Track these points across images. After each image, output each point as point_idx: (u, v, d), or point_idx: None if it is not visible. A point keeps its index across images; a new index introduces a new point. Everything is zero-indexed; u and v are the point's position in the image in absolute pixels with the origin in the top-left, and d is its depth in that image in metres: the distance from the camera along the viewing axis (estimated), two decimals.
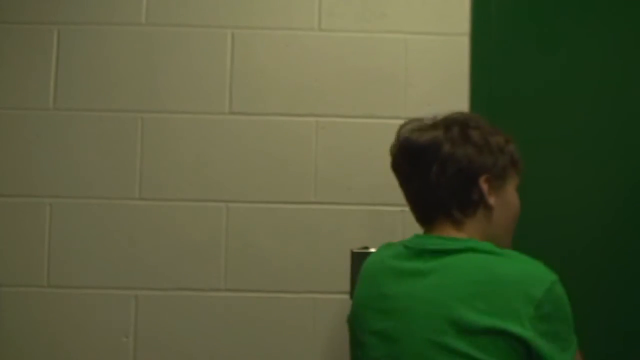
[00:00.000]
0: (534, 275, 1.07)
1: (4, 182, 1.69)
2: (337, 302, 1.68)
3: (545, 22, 1.76)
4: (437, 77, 1.73)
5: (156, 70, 1.72)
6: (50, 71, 1.72)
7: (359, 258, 1.69)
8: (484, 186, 1.17)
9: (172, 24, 1.74)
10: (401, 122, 1.71)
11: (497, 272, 1.08)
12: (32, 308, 1.67)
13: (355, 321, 1.24)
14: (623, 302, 1.70)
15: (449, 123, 1.21)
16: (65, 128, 1.71)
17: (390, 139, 1.71)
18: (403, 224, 1.70)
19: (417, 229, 1.68)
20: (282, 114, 1.72)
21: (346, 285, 1.68)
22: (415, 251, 1.19)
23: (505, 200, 1.22)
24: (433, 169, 1.17)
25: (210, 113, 1.72)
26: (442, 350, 1.06)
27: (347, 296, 1.68)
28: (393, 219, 1.69)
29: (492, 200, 1.18)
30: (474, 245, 1.14)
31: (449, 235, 1.18)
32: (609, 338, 1.69)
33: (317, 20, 1.74)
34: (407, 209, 1.68)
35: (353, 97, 1.73)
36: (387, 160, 1.70)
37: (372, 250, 1.68)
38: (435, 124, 1.22)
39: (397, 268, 1.19)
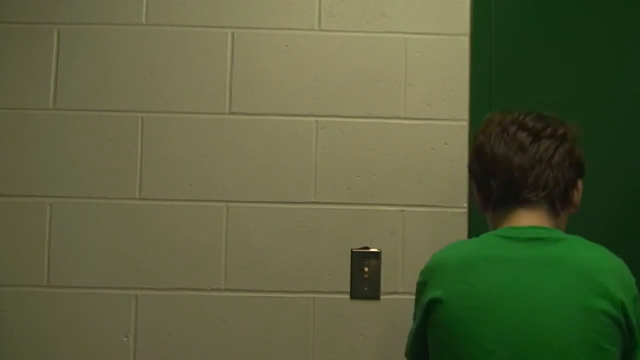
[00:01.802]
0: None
1: (4, 182, 1.69)
2: (337, 302, 1.68)
3: (545, 22, 1.76)
4: (437, 77, 1.73)
5: (156, 70, 1.72)
6: (50, 71, 1.72)
7: (359, 258, 1.69)
8: (580, 189, 1.28)
9: (172, 24, 1.74)
10: (401, 122, 1.74)
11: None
12: (32, 308, 1.67)
13: (468, 316, 1.14)
14: None
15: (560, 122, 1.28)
16: (65, 128, 1.71)
17: (390, 138, 1.72)
18: (403, 224, 1.70)
19: (417, 229, 1.69)
20: (282, 114, 1.72)
21: (346, 285, 1.68)
22: (520, 240, 1.18)
23: (576, 203, 1.30)
24: (555, 154, 1.21)
25: (210, 113, 1.72)
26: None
27: (347, 296, 1.68)
28: (393, 219, 1.69)
29: (578, 203, 1.28)
30: (569, 237, 1.20)
31: (544, 224, 1.21)
32: None
33: (317, 20, 1.74)
34: (406, 209, 1.70)
35: (353, 97, 1.73)
36: (387, 160, 1.71)
37: (373, 250, 1.69)
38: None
39: (508, 257, 1.17)
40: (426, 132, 1.72)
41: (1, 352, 1.65)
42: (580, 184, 1.28)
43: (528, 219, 1.22)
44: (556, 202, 1.22)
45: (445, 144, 1.71)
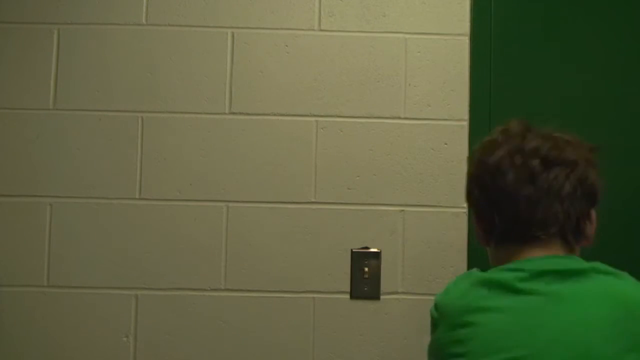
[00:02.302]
0: None
1: (4, 182, 1.69)
2: (337, 302, 1.68)
3: (545, 22, 1.76)
4: (437, 77, 1.73)
5: (156, 70, 1.72)
6: (50, 71, 1.72)
7: (359, 258, 1.69)
8: (593, 219, 1.10)
9: (172, 24, 1.74)
10: (401, 122, 1.73)
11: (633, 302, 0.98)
12: (32, 308, 1.67)
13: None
14: None
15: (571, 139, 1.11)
16: (65, 128, 1.71)
17: (390, 138, 1.72)
18: (403, 224, 1.70)
19: (418, 229, 1.69)
20: (282, 114, 1.72)
21: (346, 285, 1.68)
22: (533, 273, 1.01)
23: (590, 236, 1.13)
24: (565, 184, 1.04)
25: (210, 113, 1.72)
26: None
27: (347, 296, 1.68)
28: (393, 219, 1.69)
29: (591, 235, 1.11)
30: (596, 266, 1.02)
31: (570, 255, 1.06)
32: None
33: (317, 20, 1.74)
34: (406, 209, 1.70)
35: (353, 97, 1.73)
36: (387, 160, 1.71)
37: (373, 250, 1.69)
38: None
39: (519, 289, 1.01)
40: (426, 132, 1.72)
41: (1, 352, 1.65)
42: (593, 214, 1.10)
43: (543, 249, 1.06)
44: (569, 236, 1.06)
45: (445, 144, 1.71)
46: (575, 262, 1.05)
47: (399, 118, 1.72)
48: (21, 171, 1.70)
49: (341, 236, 1.69)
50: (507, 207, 1.06)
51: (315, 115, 1.72)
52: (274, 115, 1.72)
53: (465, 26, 1.75)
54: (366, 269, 1.68)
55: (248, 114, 1.72)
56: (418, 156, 1.71)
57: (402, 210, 1.70)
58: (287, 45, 1.74)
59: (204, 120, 1.72)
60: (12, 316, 1.66)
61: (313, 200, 1.70)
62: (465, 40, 1.74)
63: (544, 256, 1.04)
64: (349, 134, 1.72)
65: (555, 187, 1.04)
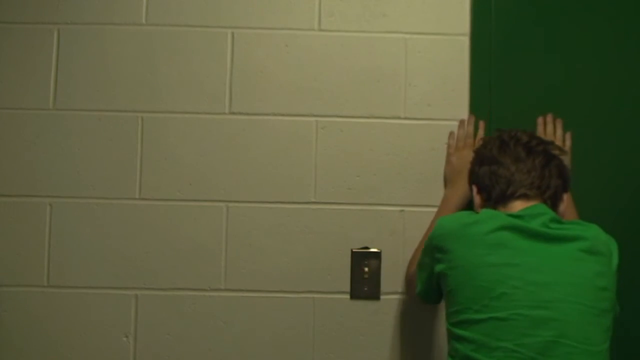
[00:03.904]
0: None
1: (4, 182, 1.69)
2: (337, 302, 1.68)
3: (545, 22, 1.76)
4: (437, 77, 1.73)
5: (156, 70, 1.72)
6: (50, 71, 1.72)
7: (359, 258, 1.69)
8: (565, 202, 1.44)
9: (172, 24, 1.74)
10: (401, 122, 1.74)
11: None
12: (32, 308, 1.67)
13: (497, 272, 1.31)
14: (623, 301, 1.69)
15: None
16: (65, 128, 1.71)
17: (390, 138, 1.72)
18: (403, 224, 1.69)
19: (417, 229, 1.69)
20: (282, 114, 1.72)
21: (346, 285, 1.68)
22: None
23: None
24: (547, 166, 1.41)
25: (210, 113, 1.72)
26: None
27: (347, 296, 1.68)
28: (393, 219, 1.69)
29: (563, 214, 1.43)
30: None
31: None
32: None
33: (317, 20, 1.74)
34: (407, 208, 1.70)
35: (353, 97, 1.72)
36: (387, 160, 1.71)
37: (373, 250, 1.69)
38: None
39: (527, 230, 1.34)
40: (426, 132, 1.72)
41: (1, 352, 1.65)
42: (565, 197, 1.44)
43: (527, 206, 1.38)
44: (547, 202, 1.39)
45: (445, 144, 1.72)
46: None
47: (399, 118, 1.72)
48: (21, 171, 1.70)
49: (341, 236, 1.69)
50: (504, 176, 1.41)
51: (315, 115, 1.72)
52: (274, 115, 1.72)
53: (465, 26, 1.75)
54: (366, 269, 1.68)
55: (248, 114, 1.72)
56: (418, 156, 1.71)
57: (402, 210, 1.70)
58: (287, 45, 1.74)
59: (204, 120, 1.72)
60: (12, 316, 1.67)
61: (313, 200, 1.70)
62: (465, 40, 1.74)
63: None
64: (349, 134, 1.72)
65: (539, 166, 1.40)
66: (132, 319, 1.67)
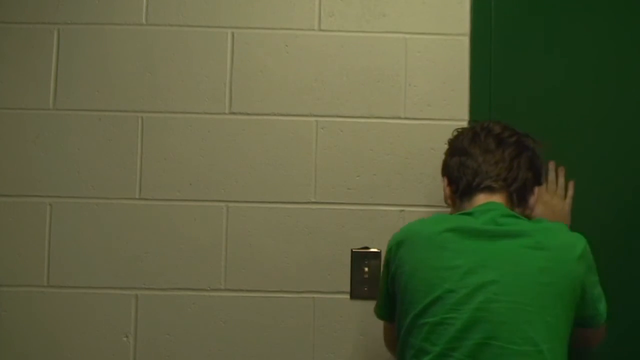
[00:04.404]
0: None
1: (4, 182, 1.69)
2: (337, 302, 1.68)
3: (545, 22, 1.76)
4: (437, 77, 1.73)
5: (156, 70, 1.72)
6: (50, 71, 1.72)
7: (359, 258, 1.69)
8: (535, 196, 1.43)
9: (172, 24, 1.74)
10: (401, 122, 1.74)
11: None
12: (32, 308, 1.67)
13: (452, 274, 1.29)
14: (623, 301, 1.69)
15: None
16: (65, 128, 1.71)
17: (390, 138, 1.72)
18: (403, 224, 1.69)
19: None
20: (282, 114, 1.72)
21: (346, 285, 1.68)
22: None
23: (530, 212, 1.46)
24: (516, 158, 1.40)
25: (210, 113, 1.72)
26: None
27: (347, 296, 1.68)
28: (393, 219, 1.69)
29: (532, 207, 1.44)
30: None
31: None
32: (609, 338, 1.69)
33: (317, 20, 1.74)
34: (406, 208, 1.70)
35: (353, 97, 1.73)
36: (387, 160, 1.71)
37: (373, 250, 1.69)
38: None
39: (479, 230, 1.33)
40: (426, 132, 1.72)
41: (1, 352, 1.65)
42: (536, 190, 1.43)
43: (489, 200, 1.38)
44: (513, 195, 1.38)
45: (445, 144, 1.71)
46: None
47: (399, 118, 1.72)
48: (21, 171, 1.70)
49: (341, 236, 1.69)
50: (471, 167, 1.40)
51: (315, 115, 1.72)
52: (274, 115, 1.72)
53: (465, 26, 1.75)
54: (366, 269, 1.68)
55: (248, 114, 1.72)
56: (418, 156, 1.71)
57: (402, 210, 1.70)
58: (287, 45, 1.74)
59: (204, 120, 1.72)
60: (12, 316, 1.67)
61: (313, 200, 1.70)
62: (465, 40, 1.74)
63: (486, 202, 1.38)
64: (349, 134, 1.72)
65: (508, 158, 1.39)
66: (132, 319, 1.67)
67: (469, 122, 1.72)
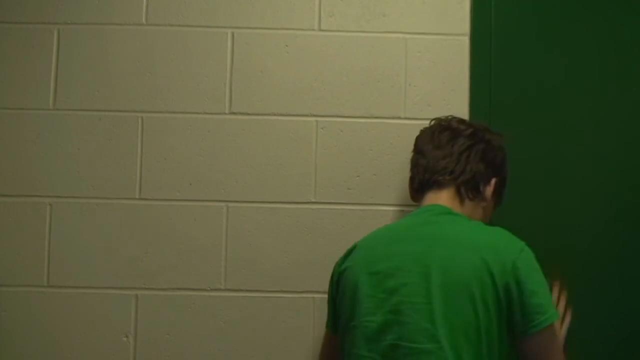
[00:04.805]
0: None
1: (4, 182, 1.69)
2: None
3: (546, 22, 1.76)
4: (437, 77, 1.73)
5: (156, 70, 1.72)
6: (50, 71, 1.72)
7: None
8: (492, 187, 1.44)
9: (172, 24, 1.74)
10: (401, 122, 1.74)
11: None
12: (32, 308, 1.67)
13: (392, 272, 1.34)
14: (623, 301, 1.70)
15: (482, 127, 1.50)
16: (65, 128, 1.71)
17: (390, 138, 1.72)
18: None
19: None
20: (282, 114, 1.72)
21: None
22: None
23: (491, 204, 1.48)
24: (467, 150, 1.42)
25: (210, 113, 1.72)
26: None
27: None
28: (393, 219, 1.69)
29: (489, 198, 1.45)
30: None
31: (447, 204, 1.41)
32: (608, 338, 1.69)
33: (317, 20, 1.74)
34: (406, 209, 1.70)
35: (353, 97, 1.73)
36: (387, 160, 1.71)
37: None
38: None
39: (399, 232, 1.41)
40: None
41: (1, 352, 1.65)
42: (494, 181, 1.44)
43: (433, 199, 1.42)
44: (461, 188, 1.41)
45: None
46: (439, 208, 1.41)
47: (399, 118, 1.72)
48: (21, 171, 1.70)
49: (341, 236, 1.69)
50: (422, 164, 1.45)
51: (315, 115, 1.72)
52: (274, 115, 1.72)
53: (465, 26, 1.75)
54: None
55: (248, 114, 1.72)
56: None
57: (402, 210, 1.70)
58: (287, 45, 1.74)
59: (204, 120, 1.72)
60: (12, 316, 1.67)
61: (313, 200, 1.70)
62: (465, 40, 1.74)
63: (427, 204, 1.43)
64: (349, 134, 1.72)
65: (457, 151, 1.42)
66: (132, 319, 1.67)
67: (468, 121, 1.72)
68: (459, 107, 1.72)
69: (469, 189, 1.41)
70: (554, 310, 1.29)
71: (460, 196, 1.41)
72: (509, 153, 1.51)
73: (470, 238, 1.32)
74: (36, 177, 1.70)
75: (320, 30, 1.74)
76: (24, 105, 1.71)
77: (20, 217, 1.69)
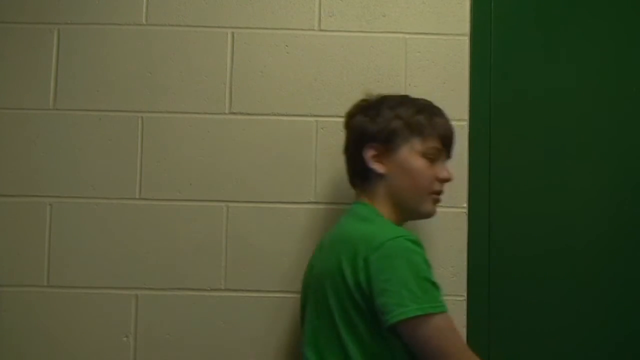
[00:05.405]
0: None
1: (4, 182, 1.69)
2: None
3: (545, 22, 1.77)
4: (437, 77, 1.73)
5: (156, 70, 1.72)
6: (50, 71, 1.72)
7: None
8: (367, 154, 1.39)
9: (172, 24, 1.74)
10: None
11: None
12: (32, 308, 1.67)
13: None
14: (623, 301, 1.70)
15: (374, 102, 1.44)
16: (65, 128, 1.71)
17: None
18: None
19: (417, 229, 1.69)
20: (282, 114, 1.72)
21: None
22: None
23: (399, 165, 1.37)
24: (346, 143, 1.47)
25: (210, 113, 1.72)
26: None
27: None
28: None
29: (379, 167, 1.38)
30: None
31: (363, 201, 1.41)
32: (608, 338, 1.69)
33: (317, 20, 1.74)
34: None
35: (353, 97, 1.72)
36: None
37: None
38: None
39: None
40: None
41: (1, 352, 1.65)
42: (367, 151, 1.38)
43: (357, 195, 1.47)
44: (356, 181, 1.45)
45: None
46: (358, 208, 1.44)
47: None
48: (21, 171, 1.70)
49: None
50: None
51: (315, 115, 1.72)
52: (274, 115, 1.72)
53: (465, 26, 1.75)
54: None
55: (248, 114, 1.72)
56: None
57: None
58: (287, 45, 1.74)
59: (204, 120, 1.72)
60: (12, 316, 1.66)
61: (313, 200, 1.70)
62: (465, 40, 1.74)
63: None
64: None
65: (345, 156, 1.47)
66: (132, 319, 1.67)
67: (469, 122, 1.72)
68: (459, 107, 1.72)
69: (360, 178, 1.44)
70: (405, 308, 1.18)
71: (360, 188, 1.45)
72: (509, 153, 1.51)
73: (340, 237, 1.35)
74: (36, 177, 1.70)
75: (320, 30, 1.74)
76: (24, 105, 1.71)
77: (20, 217, 1.69)
